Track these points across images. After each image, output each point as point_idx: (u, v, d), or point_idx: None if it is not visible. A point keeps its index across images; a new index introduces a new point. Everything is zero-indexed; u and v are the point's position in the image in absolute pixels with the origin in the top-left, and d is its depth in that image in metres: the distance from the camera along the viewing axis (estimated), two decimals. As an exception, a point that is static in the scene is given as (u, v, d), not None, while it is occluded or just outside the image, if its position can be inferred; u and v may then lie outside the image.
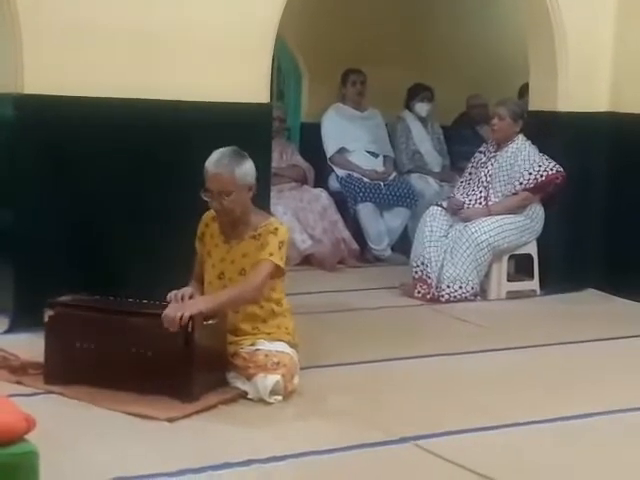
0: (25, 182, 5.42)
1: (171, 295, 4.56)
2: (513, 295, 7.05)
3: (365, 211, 8.24)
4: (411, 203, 8.38)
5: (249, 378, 4.51)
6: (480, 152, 7.28)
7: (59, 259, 5.46)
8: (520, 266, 7.25)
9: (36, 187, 5.42)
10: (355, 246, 8.08)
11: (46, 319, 4.58)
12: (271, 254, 4.57)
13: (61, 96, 5.36)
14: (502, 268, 7.03)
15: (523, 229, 6.99)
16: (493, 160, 7.09)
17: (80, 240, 5.51)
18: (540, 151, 7.01)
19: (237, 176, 4.56)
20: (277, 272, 4.63)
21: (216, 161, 4.58)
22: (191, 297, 4.57)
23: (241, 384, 4.55)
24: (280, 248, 4.60)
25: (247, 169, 4.62)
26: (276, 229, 4.65)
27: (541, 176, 6.91)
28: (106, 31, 5.47)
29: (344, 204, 8.25)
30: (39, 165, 5.41)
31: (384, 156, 8.70)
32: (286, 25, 6.40)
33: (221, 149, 4.63)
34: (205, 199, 4.60)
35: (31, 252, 5.42)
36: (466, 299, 6.83)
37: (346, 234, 8.04)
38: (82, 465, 3.72)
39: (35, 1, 5.34)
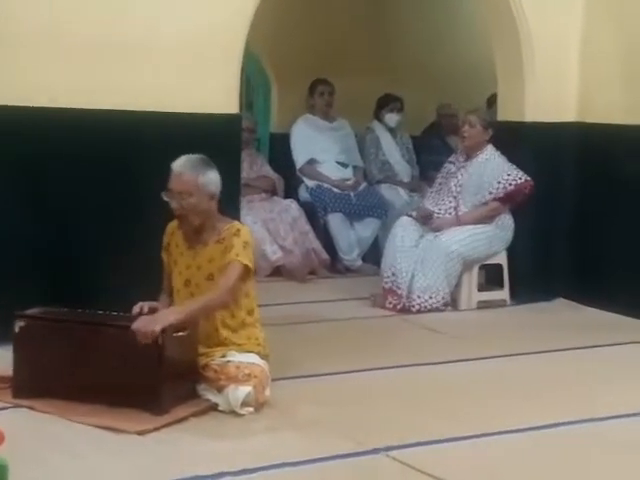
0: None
1: (136, 308, 4.58)
2: (483, 305, 7.07)
3: (335, 221, 8.24)
4: (381, 213, 8.39)
5: (220, 390, 4.49)
6: (450, 162, 7.30)
7: (28, 271, 5.43)
8: (490, 276, 7.27)
9: (3, 199, 5.37)
10: (325, 256, 8.07)
11: (15, 332, 4.54)
12: (237, 255, 4.58)
13: (29, 107, 5.33)
14: (472, 278, 7.05)
15: (493, 239, 7.01)
16: (463, 170, 7.11)
17: (49, 252, 5.47)
18: (508, 161, 7.04)
19: (199, 181, 4.59)
20: (246, 272, 4.63)
21: (182, 162, 4.64)
22: (155, 310, 4.57)
23: (212, 396, 4.53)
24: (245, 248, 4.61)
25: (211, 178, 4.65)
26: (238, 230, 4.66)
27: (510, 184, 6.93)
28: (74, 42, 5.44)
29: (314, 215, 8.23)
30: (7, 176, 5.37)
31: (354, 166, 8.71)
32: (254, 36, 6.40)
33: (190, 155, 4.67)
34: (165, 199, 4.63)
35: (-1, 264, 5.39)
36: (437, 309, 6.84)
37: (317, 245, 8.03)
38: (52, 479, 3.69)
39: (2, 11, 5.31)
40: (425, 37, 9.47)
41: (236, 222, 4.82)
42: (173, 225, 4.82)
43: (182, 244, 4.78)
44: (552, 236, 7.27)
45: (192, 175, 4.60)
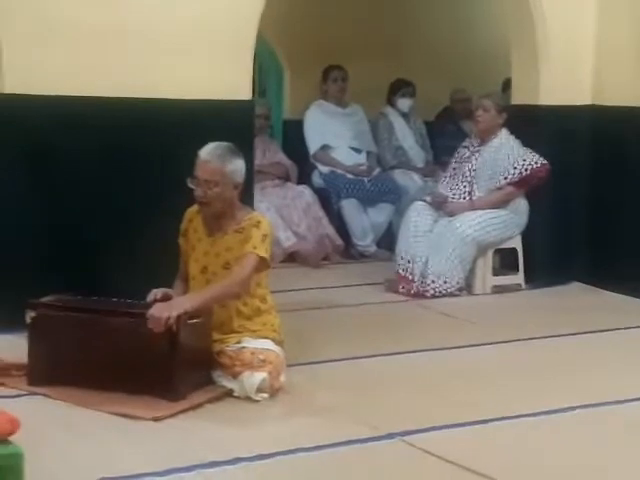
0: (5, 182, 5.37)
1: (151, 295, 4.60)
2: (498, 289, 7.05)
3: (349, 207, 8.22)
4: (395, 199, 8.37)
5: (235, 376, 4.49)
6: (464, 147, 7.27)
7: (41, 259, 5.42)
8: (505, 260, 7.25)
9: (16, 187, 5.37)
10: (339, 242, 8.06)
11: (29, 320, 4.55)
12: (255, 247, 4.56)
13: (41, 95, 5.32)
14: (487, 262, 7.03)
15: (507, 223, 6.99)
16: (477, 155, 7.08)
17: (62, 239, 5.47)
18: (523, 145, 7.01)
19: (226, 170, 4.58)
20: (262, 265, 4.62)
21: (210, 150, 4.62)
22: (169, 297, 4.58)
23: (227, 382, 4.53)
24: (263, 241, 4.60)
25: (238, 167, 4.64)
26: (259, 222, 4.65)
27: (525, 170, 6.90)
28: (86, 29, 5.43)
29: (328, 200, 8.22)
30: (19, 164, 5.37)
31: (367, 152, 8.69)
32: (267, 22, 6.38)
33: (218, 142, 4.66)
34: (190, 186, 4.60)
35: (12, 252, 5.37)
36: (451, 294, 6.82)
37: (330, 230, 8.02)
38: (68, 466, 3.69)
39: (12, 0, 5.31)
40: (438, 22, 9.42)
41: (257, 213, 4.83)
42: (192, 211, 4.81)
43: (201, 230, 4.77)
44: (567, 219, 7.24)
45: (219, 164, 4.58)
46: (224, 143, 4.67)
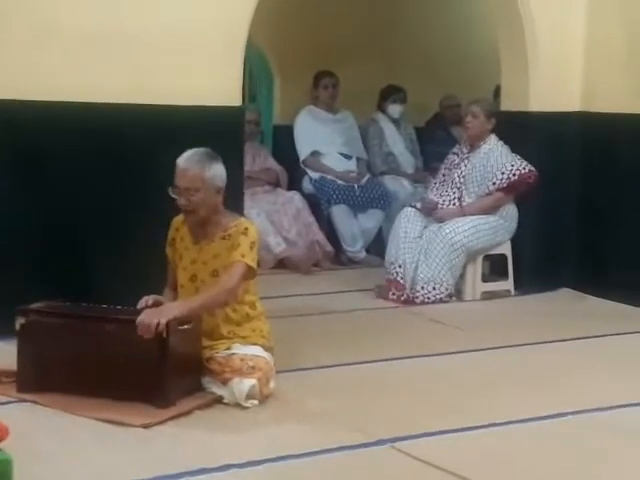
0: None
1: (142, 302, 4.59)
2: (488, 296, 7.05)
3: (339, 213, 8.22)
4: (385, 205, 8.38)
5: (225, 382, 4.49)
6: (453, 153, 7.28)
7: (30, 265, 5.41)
8: (495, 266, 7.26)
9: (4, 193, 5.36)
10: (330, 248, 8.06)
11: (19, 326, 4.53)
12: (243, 255, 4.56)
13: (27, 100, 5.31)
14: (477, 269, 7.03)
15: (497, 229, 6.99)
16: (466, 161, 7.09)
17: (51, 246, 5.46)
18: (512, 151, 7.02)
19: (206, 175, 4.56)
20: (250, 273, 4.62)
21: (187, 157, 4.60)
22: (160, 303, 4.57)
23: (217, 389, 4.52)
24: (251, 249, 4.59)
25: (217, 171, 4.62)
26: (246, 229, 4.64)
27: (514, 175, 6.91)
28: (74, 34, 5.41)
29: (318, 206, 8.22)
30: (7, 171, 5.36)
31: (357, 158, 8.70)
32: (257, 28, 6.37)
33: (195, 149, 4.64)
34: (172, 196, 4.59)
35: (1, 258, 5.36)
36: (441, 300, 6.82)
37: (320, 236, 8.02)
38: (57, 473, 3.68)
39: (8, 3, 5.30)
40: (429, 28, 9.43)
41: (243, 219, 4.80)
42: (178, 220, 4.81)
43: (187, 239, 4.76)
44: (556, 226, 7.25)
45: (198, 170, 4.56)
46: (201, 149, 4.65)
